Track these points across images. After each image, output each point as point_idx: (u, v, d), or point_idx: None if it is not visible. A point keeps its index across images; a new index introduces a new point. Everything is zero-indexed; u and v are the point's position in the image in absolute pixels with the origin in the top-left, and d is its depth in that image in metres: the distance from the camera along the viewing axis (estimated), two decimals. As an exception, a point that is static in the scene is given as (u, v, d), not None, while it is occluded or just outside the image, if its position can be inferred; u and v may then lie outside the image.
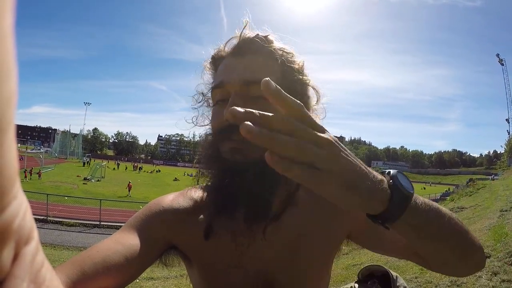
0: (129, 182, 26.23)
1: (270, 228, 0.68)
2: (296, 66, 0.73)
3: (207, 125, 0.79)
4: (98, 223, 14.13)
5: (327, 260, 0.79)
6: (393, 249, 0.76)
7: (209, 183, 0.70)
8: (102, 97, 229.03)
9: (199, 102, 0.80)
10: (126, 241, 0.62)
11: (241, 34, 0.72)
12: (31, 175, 26.60)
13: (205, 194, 0.72)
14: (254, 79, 0.65)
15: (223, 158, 0.66)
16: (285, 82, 0.68)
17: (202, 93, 0.80)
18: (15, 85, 0.18)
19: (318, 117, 0.78)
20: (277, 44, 0.72)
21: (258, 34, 0.71)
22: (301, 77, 0.73)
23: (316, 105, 0.77)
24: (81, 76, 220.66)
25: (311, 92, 0.76)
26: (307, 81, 0.74)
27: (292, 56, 0.73)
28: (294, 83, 0.71)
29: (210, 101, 0.78)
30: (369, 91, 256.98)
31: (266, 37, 0.71)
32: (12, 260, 0.21)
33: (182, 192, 0.78)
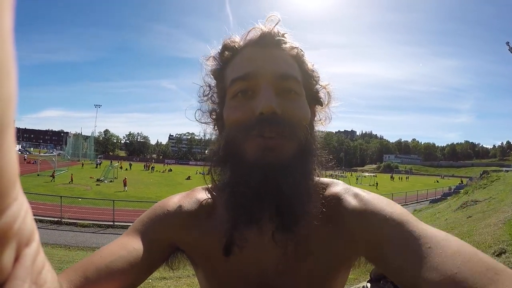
0: (125, 178, 26.95)
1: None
2: (310, 66, 0.72)
3: (211, 122, 0.75)
4: (112, 223, 14.37)
5: (332, 275, 0.70)
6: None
7: (227, 187, 0.63)
8: (112, 98, 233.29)
9: (205, 96, 0.75)
10: (130, 245, 0.61)
11: (273, 27, 0.68)
12: (53, 178, 27.65)
13: (220, 197, 0.66)
14: (288, 72, 0.65)
15: (250, 158, 0.60)
16: (303, 80, 0.69)
17: (209, 86, 0.75)
18: (14, 86, 0.18)
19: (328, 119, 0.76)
20: (293, 42, 0.70)
21: (278, 30, 0.68)
22: (315, 77, 0.73)
23: (327, 107, 0.75)
24: (91, 79, 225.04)
25: (323, 92, 0.75)
26: (321, 82, 0.74)
27: (305, 55, 0.71)
28: (310, 82, 0.71)
29: (216, 95, 0.74)
30: (379, 84, 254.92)
31: (284, 34, 0.69)
32: (13, 262, 0.21)
33: (188, 193, 0.76)
